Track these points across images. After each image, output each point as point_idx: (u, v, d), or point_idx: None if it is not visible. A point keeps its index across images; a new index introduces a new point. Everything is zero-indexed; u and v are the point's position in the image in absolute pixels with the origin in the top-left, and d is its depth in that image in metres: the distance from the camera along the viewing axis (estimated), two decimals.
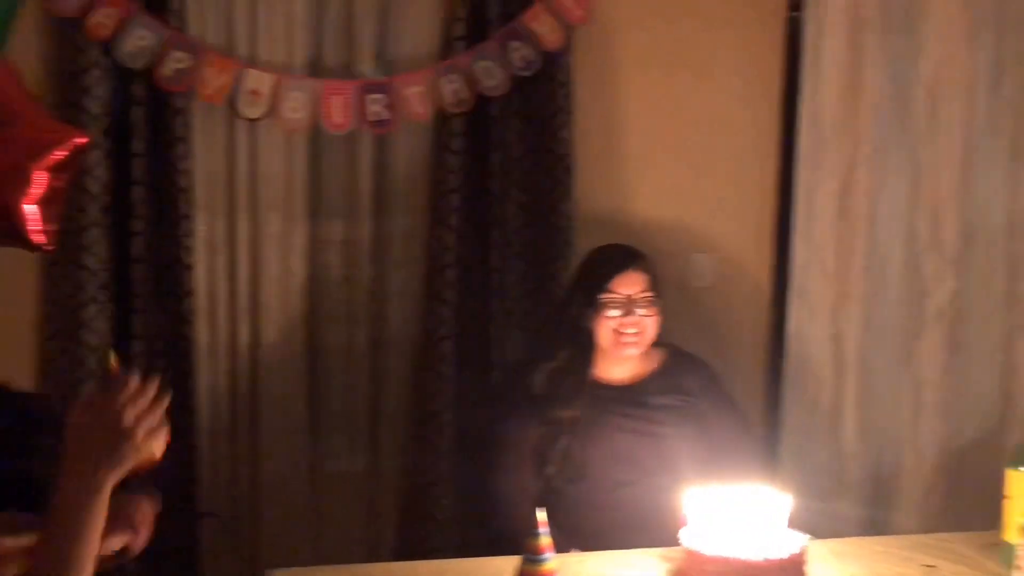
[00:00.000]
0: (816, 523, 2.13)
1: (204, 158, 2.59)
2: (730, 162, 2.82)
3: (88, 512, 1.19)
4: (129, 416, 1.23)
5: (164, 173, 2.51)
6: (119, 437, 1.22)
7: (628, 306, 2.20)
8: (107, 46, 2.41)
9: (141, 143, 2.47)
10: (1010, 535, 1.87)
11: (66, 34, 2.42)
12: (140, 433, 1.23)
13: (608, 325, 2.21)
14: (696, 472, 1.98)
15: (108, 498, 1.22)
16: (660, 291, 2.27)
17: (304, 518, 2.74)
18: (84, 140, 1.93)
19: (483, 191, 2.64)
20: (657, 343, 2.31)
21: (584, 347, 2.25)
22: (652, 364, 2.31)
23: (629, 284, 2.21)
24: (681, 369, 2.30)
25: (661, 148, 2.78)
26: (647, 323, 2.23)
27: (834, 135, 2.73)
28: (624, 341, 2.22)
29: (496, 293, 2.66)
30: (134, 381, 1.26)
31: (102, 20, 2.38)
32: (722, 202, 2.83)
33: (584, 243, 2.66)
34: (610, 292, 2.20)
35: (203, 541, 2.65)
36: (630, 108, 2.76)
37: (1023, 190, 2.72)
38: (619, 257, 2.27)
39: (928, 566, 1.90)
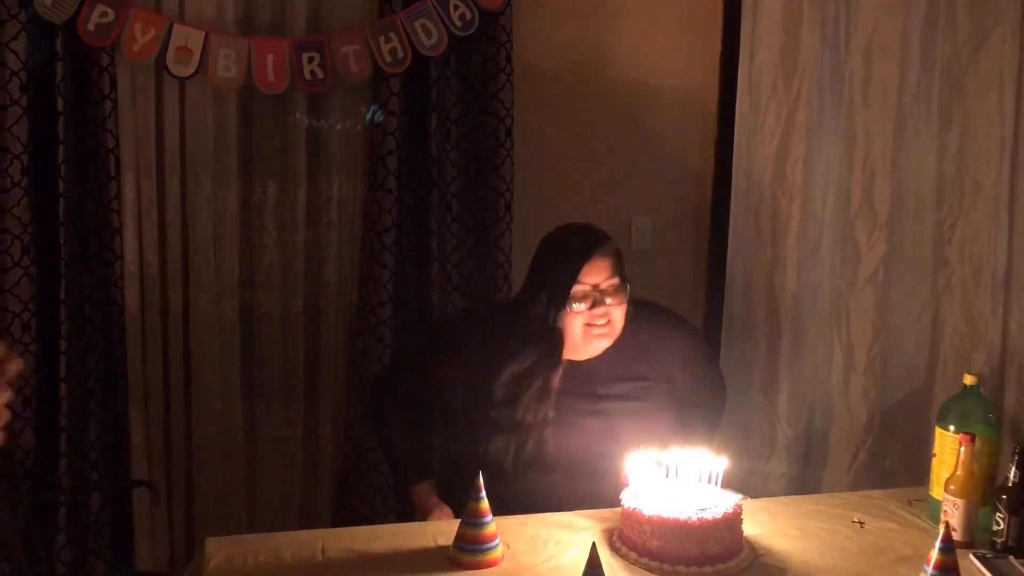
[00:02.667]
0: (750, 483, 2.18)
1: (131, 117, 2.51)
2: (669, 126, 2.83)
3: None
4: None
5: (89, 132, 2.42)
6: None
7: (596, 296, 2.00)
8: None
9: (63, 101, 2.37)
10: (936, 491, 1.92)
11: None
12: None
13: (577, 320, 2.01)
14: (653, 443, 1.93)
15: None
16: (625, 272, 2.07)
17: (240, 485, 2.71)
18: None
19: (421, 153, 2.60)
20: None
21: (553, 347, 2.03)
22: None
23: (595, 273, 2.00)
24: (640, 334, 2.11)
25: (600, 111, 2.78)
26: (616, 313, 2.04)
27: (771, 99, 2.75)
28: (594, 334, 2.03)
29: (435, 257, 2.63)
30: None
31: None
32: (661, 166, 2.84)
33: (523, 207, 2.65)
34: (577, 283, 2.00)
35: (136, 511, 2.60)
36: (570, 69, 2.74)
37: (950, 156, 2.78)
38: (582, 246, 2.03)
39: (858, 522, 1.95)
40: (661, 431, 2.05)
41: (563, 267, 2.01)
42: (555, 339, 2.02)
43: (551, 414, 2.03)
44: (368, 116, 2.63)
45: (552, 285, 2.01)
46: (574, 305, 1.99)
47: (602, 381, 2.09)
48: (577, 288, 1.99)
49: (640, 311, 2.12)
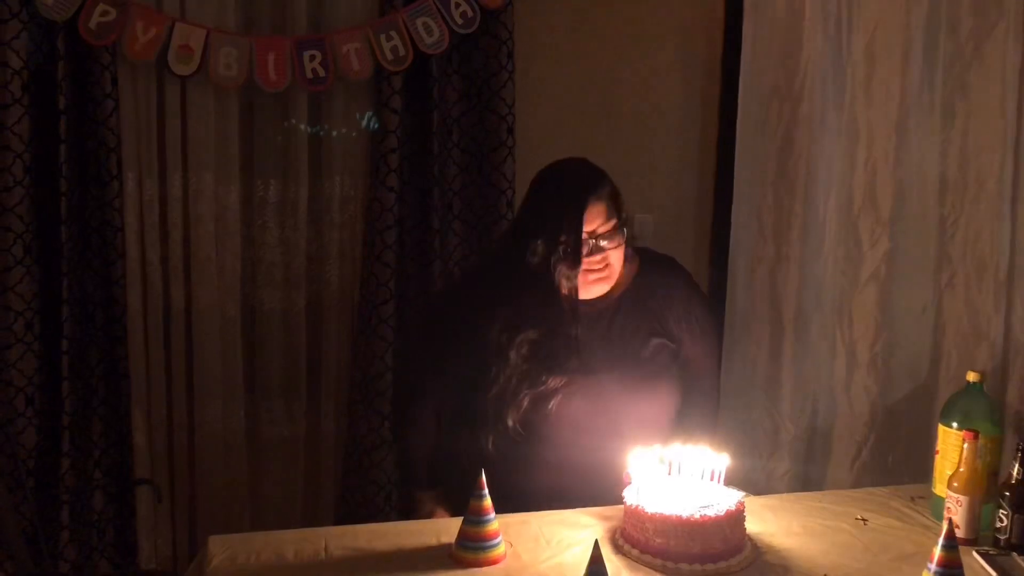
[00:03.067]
0: (753, 480, 2.17)
1: (133, 116, 2.51)
2: (672, 123, 2.82)
3: None
4: None
5: (90, 131, 2.42)
6: None
7: (591, 243, 1.91)
8: None
9: (65, 100, 2.37)
10: (940, 488, 1.92)
11: None
12: None
13: None
14: (654, 421, 1.91)
15: None
16: (622, 210, 1.98)
17: (242, 484, 2.71)
18: None
19: (423, 151, 2.60)
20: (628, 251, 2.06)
21: (560, 303, 1.92)
22: (618, 286, 2.05)
23: (591, 219, 1.91)
24: (651, 288, 2.04)
25: (602, 108, 2.77)
26: (614, 256, 1.95)
27: (773, 96, 2.75)
28: (591, 279, 1.95)
29: (437, 255, 2.63)
30: None
31: None
32: (663, 163, 2.84)
33: None
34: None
35: (139, 509, 2.60)
36: (571, 67, 2.74)
37: (953, 151, 2.77)
38: (574, 192, 1.92)
39: (861, 519, 1.95)
40: (666, 398, 2.03)
41: (558, 221, 1.90)
42: (567, 300, 1.93)
43: (576, 369, 1.94)
44: (363, 123, 2.63)
45: (548, 239, 1.90)
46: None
47: (611, 342, 2.02)
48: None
49: (653, 267, 2.07)
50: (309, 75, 2.50)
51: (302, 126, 2.62)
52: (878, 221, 2.80)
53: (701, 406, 2.15)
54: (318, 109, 2.64)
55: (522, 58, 2.62)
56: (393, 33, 2.50)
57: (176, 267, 2.60)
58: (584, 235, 1.91)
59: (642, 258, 2.10)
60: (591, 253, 1.92)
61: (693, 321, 2.12)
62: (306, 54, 2.49)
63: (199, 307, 2.63)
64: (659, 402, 2.01)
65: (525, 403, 1.95)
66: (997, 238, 2.57)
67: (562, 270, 1.91)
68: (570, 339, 1.95)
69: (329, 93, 2.60)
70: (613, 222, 1.94)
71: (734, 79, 2.75)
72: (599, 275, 1.97)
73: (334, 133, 2.65)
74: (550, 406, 1.97)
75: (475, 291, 2.04)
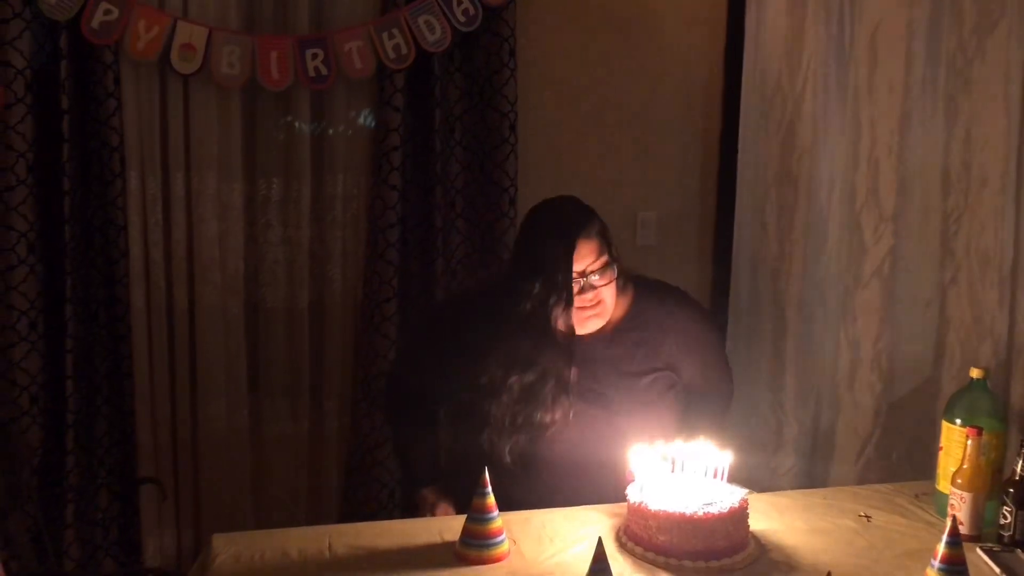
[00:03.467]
0: (756, 477, 2.17)
1: (135, 115, 2.51)
2: (675, 120, 2.82)
3: None
4: None
5: (93, 130, 2.42)
6: None
7: (582, 281, 1.94)
8: None
9: (68, 99, 2.38)
10: (943, 485, 1.92)
11: None
12: None
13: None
14: (655, 436, 1.91)
15: None
16: (612, 246, 2.01)
17: (246, 482, 2.72)
18: None
19: (425, 149, 2.60)
20: (623, 280, 2.06)
21: (555, 344, 1.95)
22: (612, 319, 2.06)
23: (580, 259, 1.93)
24: (645, 317, 2.06)
25: (606, 106, 2.77)
26: (606, 292, 1.98)
27: (776, 93, 2.75)
28: (584, 316, 1.98)
29: (440, 253, 2.63)
30: None
31: None
32: (666, 160, 2.84)
33: (528, 202, 2.63)
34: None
35: (143, 507, 2.60)
36: (573, 64, 2.74)
37: (957, 147, 2.76)
38: (564, 233, 1.94)
39: (864, 516, 1.95)
40: (666, 423, 2.04)
41: (548, 263, 1.92)
42: (562, 341, 1.96)
43: (570, 414, 1.97)
44: (361, 119, 2.63)
45: (540, 281, 1.92)
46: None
47: (606, 375, 2.07)
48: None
49: (648, 295, 2.08)
50: (311, 73, 2.50)
51: (304, 124, 2.62)
52: (881, 217, 2.80)
53: (708, 419, 2.12)
54: (320, 107, 2.64)
55: (524, 55, 2.61)
56: (395, 31, 2.50)
57: (179, 266, 2.60)
58: (575, 274, 1.93)
59: (636, 288, 2.09)
60: (583, 291, 1.95)
61: (692, 346, 2.11)
62: (308, 52, 2.49)
63: (202, 306, 2.63)
64: (658, 428, 1.99)
65: (521, 442, 1.98)
66: (1001, 233, 2.56)
67: (556, 312, 1.92)
68: (563, 380, 1.97)
69: (331, 91, 2.60)
70: (604, 259, 1.97)
71: (736, 76, 2.75)
72: (592, 312, 1.98)
73: (336, 131, 2.64)
74: (547, 436, 1.99)
75: (475, 318, 2.06)
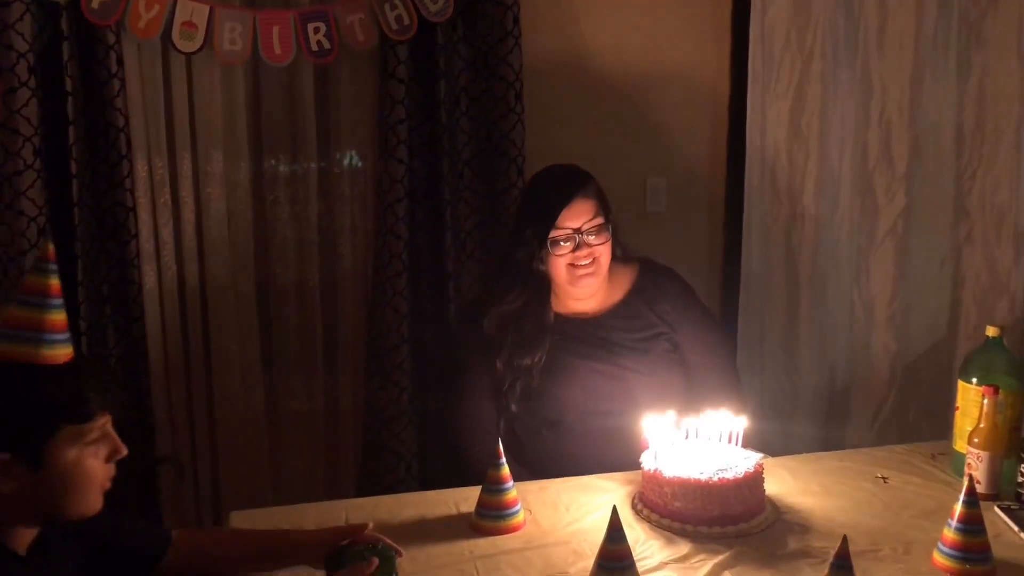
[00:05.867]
0: (772, 442, 2.17)
1: (139, 95, 2.50)
2: (682, 84, 2.79)
3: None
4: None
5: (98, 112, 2.41)
6: None
7: (577, 238, 2.06)
8: None
9: (71, 81, 2.37)
10: (960, 444, 1.91)
11: None
12: None
13: (560, 262, 2.08)
14: (668, 403, 1.93)
15: None
16: (609, 211, 2.13)
17: (263, 458, 2.73)
18: None
19: (432, 121, 2.58)
20: (628, 258, 2.22)
21: (538, 289, 2.11)
22: (619, 290, 2.19)
23: (576, 216, 2.06)
24: (650, 294, 2.18)
25: (613, 72, 2.74)
26: (600, 251, 2.09)
27: (785, 53, 2.71)
28: (579, 275, 2.09)
29: (449, 226, 2.62)
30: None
31: None
32: (674, 125, 2.81)
33: (536, 172, 2.63)
34: (557, 228, 2.05)
35: (162, 486, 2.63)
36: (578, 30, 2.70)
37: (970, 104, 2.73)
38: (561, 188, 2.08)
39: (881, 477, 1.95)
40: (672, 386, 2.08)
41: (542, 211, 2.07)
42: (538, 281, 2.10)
43: (543, 357, 2.10)
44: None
45: (533, 228, 2.07)
46: (558, 249, 2.06)
47: (620, 344, 2.10)
48: (558, 232, 2.06)
49: (648, 270, 2.21)
50: (314, 48, 2.48)
51: (309, 100, 2.60)
52: (894, 176, 2.77)
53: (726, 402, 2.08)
54: (324, 82, 2.62)
55: (528, 23, 2.58)
56: (397, 2, 2.48)
57: (189, 246, 2.60)
58: (570, 230, 2.06)
59: (641, 266, 2.23)
60: (578, 247, 2.07)
61: (692, 323, 2.21)
62: (310, 26, 2.47)
63: (214, 285, 2.63)
64: (669, 392, 2.09)
65: (517, 388, 2.12)
66: (1017, 189, 2.54)
67: (540, 254, 2.07)
68: (542, 323, 2.11)
69: (335, 65, 2.58)
70: (599, 220, 2.09)
71: (744, 38, 2.71)
72: (587, 270, 2.10)
73: (341, 106, 2.63)
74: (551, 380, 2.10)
75: (482, 301, 2.22)
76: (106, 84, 2.39)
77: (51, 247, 1.34)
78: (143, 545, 1.55)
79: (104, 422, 1.33)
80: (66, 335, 1.32)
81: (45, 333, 1.30)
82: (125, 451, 1.36)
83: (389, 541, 1.49)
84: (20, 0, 2.30)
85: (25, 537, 1.34)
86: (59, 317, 1.32)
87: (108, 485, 1.36)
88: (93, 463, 1.32)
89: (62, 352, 1.31)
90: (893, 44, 2.70)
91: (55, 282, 1.32)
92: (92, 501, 1.34)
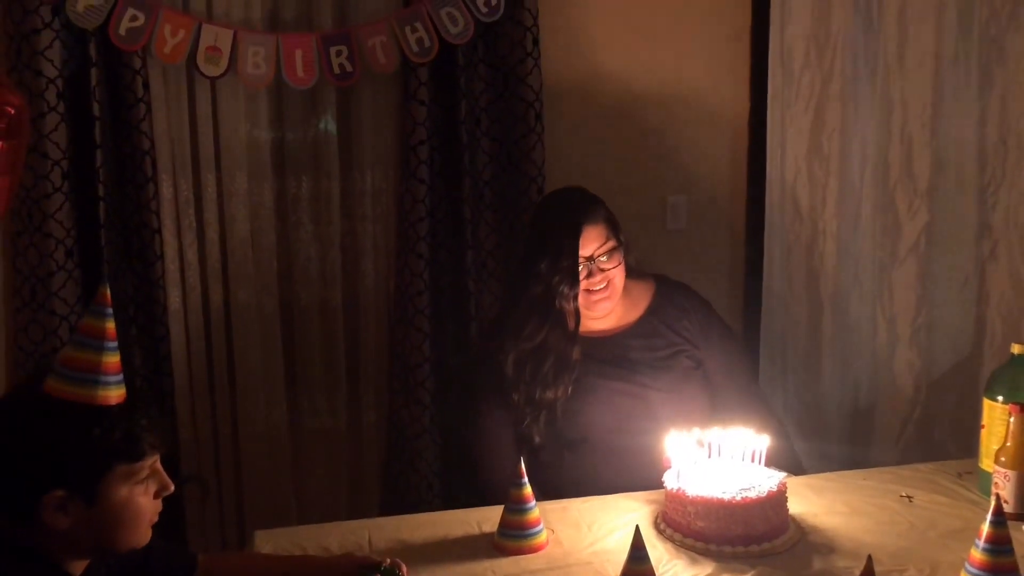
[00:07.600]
0: (795, 460, 2.16)
1: (165, 119, 2.53)
2: (702, 102, 2.79)
3: None
4: None
5: (125, 135, 2.46)
6: None
7: (591, 265, 2.07)
8: (58, 6, 2.34)
9: (99, 106, 2.41)
10: (986, 463, 1.89)
11: None
12: None
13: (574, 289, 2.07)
14: (691, 420, 1.93)
15: None
16: (619, 231, 2.13)
17: (287, 477, 2.75)
18: (17, 101, 1.87)
19: (452, 141, 2.60)
20: (642, 274, 2.22)
21: (557, 323, 2.08)
22: (636, 308, 2.20)
23: (587, 243, 2.06)
24: (669, 312, 2.18)
25: (632, 91, 2.75)
26: (614, 274, 2.10)
27: (804, 71, 2.71)
28: (595, 300, 2.10)
29: (470, 245, 2.64)
30: None
31: None
32: (694, 143, 2.81)
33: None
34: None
35: (187, 505, 2.65)
36: (597, 50, 2.72)
37: (992, 119, 2.71)
38: (570, 218, 2.07)
39: (906, 497, 1.93)
40: (694, 403, 2.07)
41: (554, 244, 2.04)
42: (559, 315, 2.07)
43: (569, 390, 2.07)
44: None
45: (546, 263, 2.04)
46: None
47: (640, 363, 2.10)
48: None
49: (666, 288, 2.21)
50: (336, 71, 2.51)
51: (331, 122, 2.63)
52: (916, 193, 2.76)
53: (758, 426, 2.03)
54: (347, 104, 2.65)
55: (548, 43, 2.60)
56: (418, 24, 2.50)
57: (214, 267, 2.63)
58: (583, 258, 2.05)
59: (658, 284, 2.23)
60: (591, 274, 2.07)
61: (713, 338, 2.22)
62: (332, 50, 2.50)
63: (237, 305, 2.66)
64: (692, 410, 2.07)
65: (541, 420, 2.09)
66: None
67: (562, 291, 2.04)
68: (564, 358, 2.08)
69: (357, 87, 2.61)
70: (611, 243, 2.09)
71: (764, 55, 2.72)
72: (601, 295, 2.10)
73: (363, 128, 2.65)
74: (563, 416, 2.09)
75: (495, 335, 2.20)
76: (133, 108, 2.43)
77: (107, 291, 1.37)
78: (171, 568, 1.57)
79: (154, 460, 1.39)
80: (120, 377, 1.37)
81: (101, 375, 1.34)
82: (172, 488, 1.42)
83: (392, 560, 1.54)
84: (50, 27, 2.34)
85: (79, 567, 1.39)
86: (114, 360, 1.36)
87: (156, 519, 1.42)
88: (143, 500, 1.38)
89: (116, 393, 1.36)
90: (913, 60, 2.70)
91: (111, 325, 1.36)
92: (142, 535, 1.40)
